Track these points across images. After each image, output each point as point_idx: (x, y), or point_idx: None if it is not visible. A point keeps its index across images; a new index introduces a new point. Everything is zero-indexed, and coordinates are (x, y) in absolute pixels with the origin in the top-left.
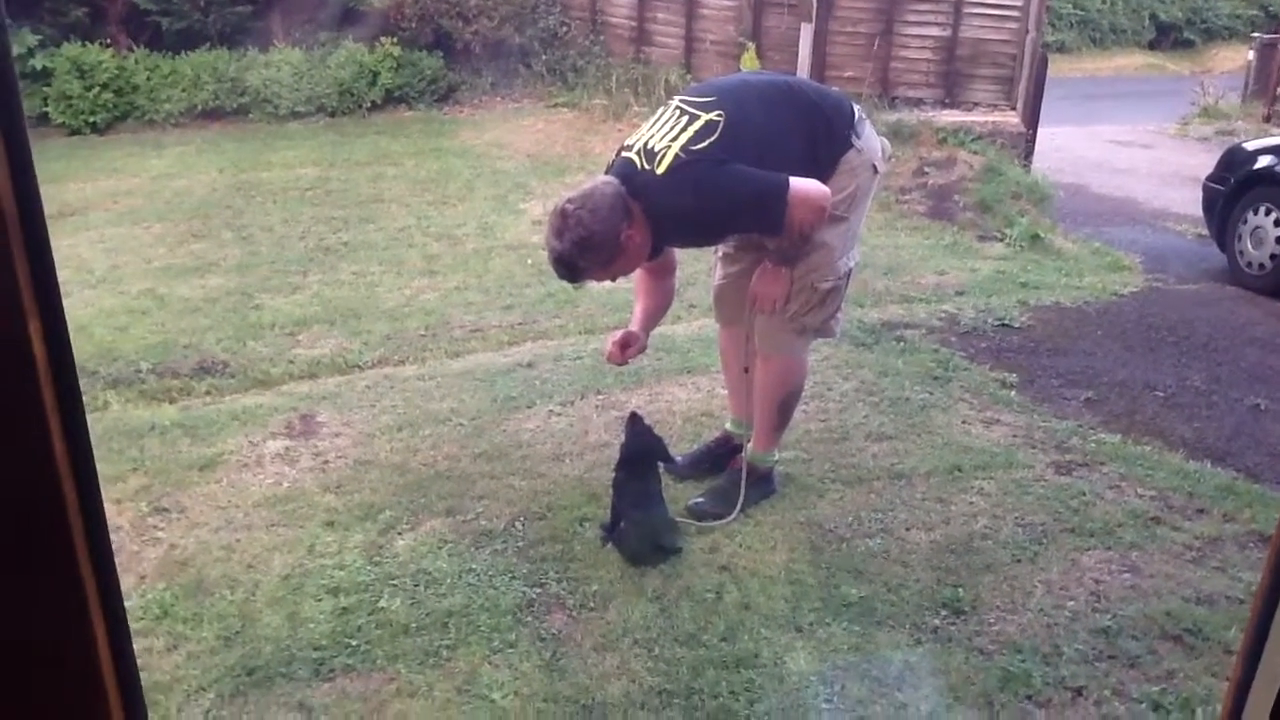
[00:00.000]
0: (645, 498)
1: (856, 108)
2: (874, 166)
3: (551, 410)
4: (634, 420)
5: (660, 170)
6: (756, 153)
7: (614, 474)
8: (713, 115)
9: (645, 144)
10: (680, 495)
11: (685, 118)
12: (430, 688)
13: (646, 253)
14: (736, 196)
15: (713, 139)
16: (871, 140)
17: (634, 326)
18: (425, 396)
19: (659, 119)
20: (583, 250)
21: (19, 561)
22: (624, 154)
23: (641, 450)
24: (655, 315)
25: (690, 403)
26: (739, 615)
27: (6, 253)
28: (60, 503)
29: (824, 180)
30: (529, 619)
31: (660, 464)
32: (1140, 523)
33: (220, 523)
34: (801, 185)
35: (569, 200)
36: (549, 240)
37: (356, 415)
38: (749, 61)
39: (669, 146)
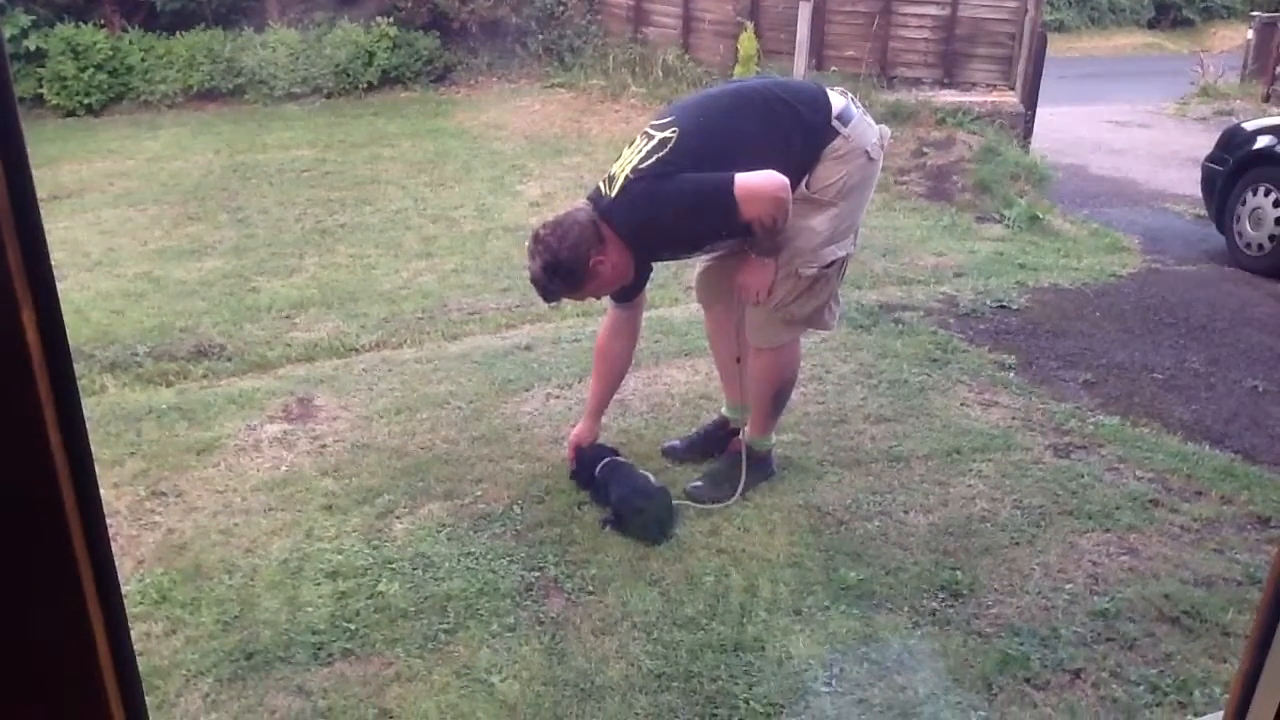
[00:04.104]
0: (635, 480)
1: (843, 97)
2: (867, 153)
3: (550, 393)
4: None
5: (613, 194)
6: (717, 158)
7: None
8: (667, 133)
9: (611, 171)
10: (679, 478)
11: (645, 140)
12: (429, 672)
13: (627, 274)
14: (682, 203)
15: (661, 154)
16: (861, 128)
17: (584, 423)
18: (423, 379)
19: (631, 145)
20: (550, 274)
21: (15, 555)
22: (599, 181)
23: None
24: (611, 394)
25: (689, 385)
26: (738, 599)
27: None
28: (56, 496)
29: (810, 171)
30: (528, 603)
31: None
32: (1138, 505)
33: (218, 507)
34: (749, 179)
35: (543, 225)
36: (527, 262)
37: (354, 398)
38: (747, 41)
39: (623, 170)
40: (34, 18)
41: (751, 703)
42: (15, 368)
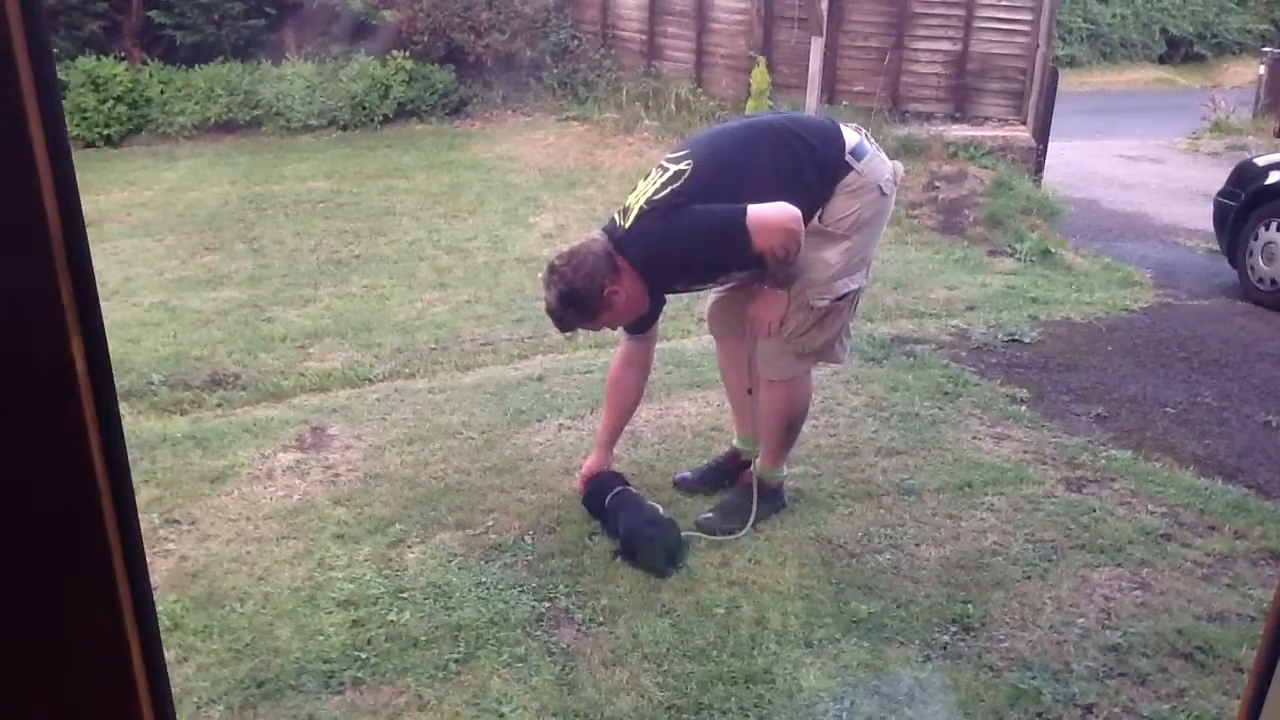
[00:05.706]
0: (644, 511)
1: (857, 133)
2: (880, 188)
3: (562, 424)
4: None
5: (628, 224)
6: (731, 190)
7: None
8: (682, 165)
9: (626, 203)
10: (690, 510)
11: (660, 172)
12: (440, 701)
13: (642, 305)
14: (695, 234)
15: (675, 186)
16: (875, 163)
17: (596, 455)
18: (436, 409)
19: (646, 178)
20: (565, 304)
21: (59, 572)
22: (614, 213)
23: (612, 501)
24: (623, 424)
25: (700, 417)
26: (749, 630)
27: (51, 274)
28: (99, 516)
29: (824, 205)
30: (539, 633)
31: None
32: (1151, 539)
33: (231, 535)
34: (762, 211)
35: (558, 256)
36: (543, 293)
37: (367, 428)
38: (759, 76)
39: (637, 201)
40: (55, 50)
41: None
42: (65, 395)
